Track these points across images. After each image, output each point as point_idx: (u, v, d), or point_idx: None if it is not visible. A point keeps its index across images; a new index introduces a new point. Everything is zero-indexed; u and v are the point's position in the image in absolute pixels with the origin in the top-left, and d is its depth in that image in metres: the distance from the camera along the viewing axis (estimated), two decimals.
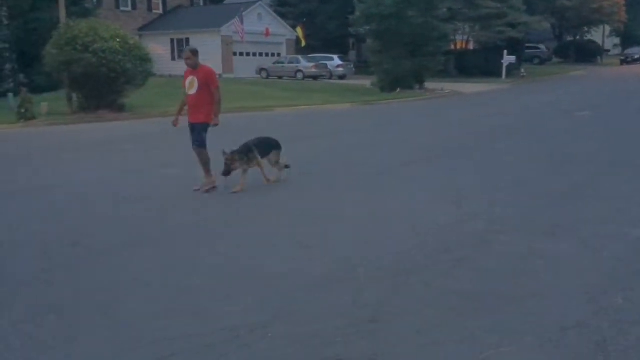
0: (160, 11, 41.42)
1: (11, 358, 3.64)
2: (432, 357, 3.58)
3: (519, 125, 15.74)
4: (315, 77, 35.67)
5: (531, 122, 16.21)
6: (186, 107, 8.17)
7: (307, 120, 18.35)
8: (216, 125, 7.99)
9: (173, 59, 38.01)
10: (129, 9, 39.14)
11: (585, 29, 59.72)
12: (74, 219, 6.85)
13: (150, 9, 40.75)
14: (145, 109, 20.20)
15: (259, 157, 8.12)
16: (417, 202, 7.33)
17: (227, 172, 7.86)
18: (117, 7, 38.10)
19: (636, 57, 55.84)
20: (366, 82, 31.31)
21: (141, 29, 38.95)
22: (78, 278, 4.97)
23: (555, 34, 60.38)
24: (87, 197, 7.96)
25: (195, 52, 8.08)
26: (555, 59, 57.45)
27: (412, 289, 4.54)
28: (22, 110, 17.54)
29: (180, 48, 38.68)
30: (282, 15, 42.33)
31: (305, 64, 36.65)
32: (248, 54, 39.22)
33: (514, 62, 36.75)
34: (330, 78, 36.86)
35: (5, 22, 27.56)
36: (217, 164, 7.99)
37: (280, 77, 35.94)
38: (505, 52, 36.22)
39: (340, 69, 38.39)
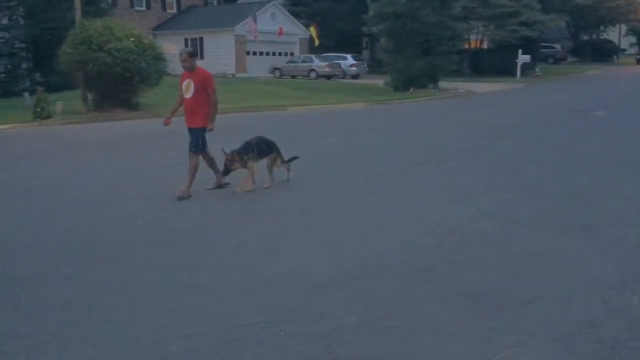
0: (174, 10, 41.61)
1: (11, 356, 3.67)
2: (445, 357, 3.56)
3: (533, 124, 15.62)
4: (328, 77, 35.65)
5: (545, 122, 16.09)
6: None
7: (320, 120, 18.35)
8: (211, 130, 7.73)
9: None
10: (143, 8, 39.36)
11: (601, 27, 59.10)
12: (79, 219, 6.89)
13: (164, 8, 40.96)
14: (159, 108, 20.26)
15: (252, 160, 7.83)
16: (428, 201, 7.30)
17: (226, 172, 7.73)
18: (132, 6, 38.33)
19: None
20: (379, 81, 31.24)
21: (155, 28, 39.17)
22: (84, 277, 5.00)
23: (570, 33, 59.84)
24: (94, 196, 7.99)
25: (191, 54, 7.87)
26: (570, 58, 56.92)
27: (424, 289, 4.53)
28: (38, 109, 17.73)
29: (194, 47, 38.89)
30: (296, 15, 42.34)
31: (319, 63, 36.64)
32: (261, 53, 39.29)
33: (528, 61, 36.46)
34: (344, 77, 36.82)
35: (22, 21, 27.87)
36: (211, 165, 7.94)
37: (293, 77, 35.96)
38: (520, 51, 35.95)
39: (354, 68, 38.33)
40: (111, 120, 18.24)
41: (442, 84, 29.96)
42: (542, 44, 46.15)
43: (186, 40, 38.67)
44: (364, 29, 33.70)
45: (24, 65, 28.42)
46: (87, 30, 18.88)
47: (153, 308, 4.30)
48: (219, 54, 37.44)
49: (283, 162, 8.32)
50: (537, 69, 38.83)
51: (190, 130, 7.81)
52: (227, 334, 3.82)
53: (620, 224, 6.23)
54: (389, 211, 6.90)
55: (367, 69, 40.50)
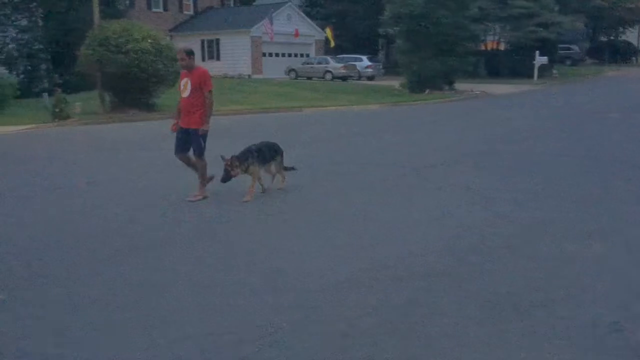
0: (191, 12, 41.86)
1: (40, 351, 3.72)
2: (463, 359, 3.55)
3: (549, 127, 15.50)
4: (344, 78, 35.63)
5: (562, 124, 15.96)
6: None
7: (335, 121, 18.35)
8: (205, 132, 7.49)
9: (203, 59, 38.41)
10: (161, 9, 39.63)
11: (620, 29, 58.48)
12: (96, 218, 6.96)
13: (181, 9, 41.21)
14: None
15: (257, 165, 7.61)
16: (444, 203, 7.28)
17: (226, 179, 7.48)
18: (149, 8, 38.62)
19: None
20: (395, 82, 31.18)
21: (172, 29, 39.42)
22: (101, 276, 5.06)
23: (588, 34, 59.25)
24: (110, 196, 8.06)
25: (189, 53, 7.61)
26: (588, 60, 56.36)
27: (442, 291, 4.52)
28: (57, 110, 17.92)
29: (210, 49, 39.13)
30: (311, 16, 42.42)
31: (334, 65, 36.65)
32: (277, 55, 39.40)
33: (545, 62, 36.17)
34: (359, 79, 36.79)
35: (41, 23, 28.21)
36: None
37: (309, 78, 36.00)
38: (537, 52, 35.67)
39: (369, 70, 38.27)
40: (128, 121, 18.39)
41: (458, 85, 29.83)
42: (560, 45, 45.75)
43: (202, 41, 38.90)
44: (380, 30, 33.68)
45: (43, 67, 28.75)
46: (105, 31, 19.07)
47: (169, 307, 4.33)
48: (235, 55, 37.63)
49: (279, 170, 8.15)
50: (554, 71, 38.51)
51: (184, 130, 7.58)
52: (243, 334, 3.84)
53: (639, 227, 6.18)
54: (405, 213, 6.88)
55: (382, 70, 40.41)
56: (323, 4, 45.01)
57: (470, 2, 29.45)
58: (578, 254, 5.36)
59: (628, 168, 9.51)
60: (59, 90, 18.75)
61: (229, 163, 7.41)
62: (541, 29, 36.77)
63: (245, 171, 7.56)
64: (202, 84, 7.45)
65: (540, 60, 35.77)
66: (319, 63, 37.52)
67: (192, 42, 38.27)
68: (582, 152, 11.01)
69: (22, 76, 27.26)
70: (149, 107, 19.98)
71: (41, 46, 28.38)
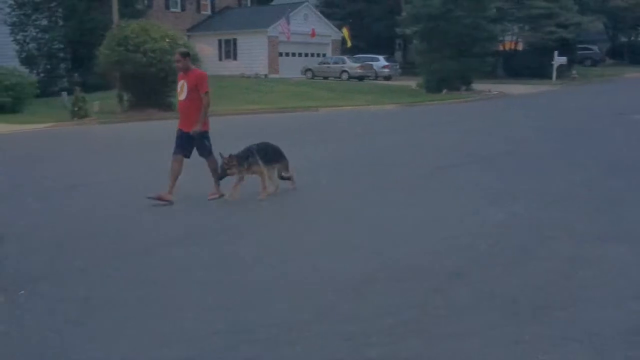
0: (209, 12, 42.05)
1: (61, 348, 3.76)
2: None
3: (568, 127, 15.34)
4: (360, 78, 35.59)
5: (581, 125, 15.79)
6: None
7: (350, 121, 18.33)
8: (195, 132, 7.32)
9: (220, 59, 38.63)
10: (179, 9, 39.87)
11: None
12: (110, 216, 7.01)
13: (198, 9, 41.42)
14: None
15: (260, 163, 7.40)
16: (460, 204, 7.22)
17: (222, 176, 7.33)
18: (167, 8, 38.86)
19: None
20: (412, 82, 31.09)
21: (190, 29, 39.62)
22: (114, 274, 5.09)
23: (608, 35, 58.56)
24: (126, 195, 8.08)
25: (185, 55, 7.50)
26: (608, 61, 55.69)
27: (459, 292, 4.48)
28: (76, 109, 18.14)
29: (227, 48, 39.30)
30: (328, 16, 42.40)
31: (351, 65, 36.63)
32: (294, 54, 39.46)
33: (564, 63, 35.81)
34: (376, 79, 36.72)
35: (61, 23, 28.52)
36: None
37: (325, 78, 36.00)
38: (556, 53, 35.34)
39: (386, 70, 38.20)
40: (146, 120, 18.53)
41: (476, 85, 29.67)
42: (579, 45, 45.27)
43: (220, 41, 39.10)
44: (397, 30, 33.57)
45: (63, 66, 29.06)
46: (123, 31, 19.26)
47: (182, 306, 4.34)
48: (252, 55, 37.75)
49: (281, 173, 7.91)
50: (573, 71, 38.11)
51: (183, 133, 7.45)
52: (258, 333, 3.84)
53: None
54: (419, 214, 6.85)
55: (399, 70, 40.30)
56: (340, 3, 44.94)
57: (489, 2, 29.29)
58: (596, 256, 5.28)
59: None
60: (79, 89, 18.96)
61: (226, 161, 7.24)
62: (560, 29, 36.42)
63: (247, 171, 7.39)
64: (198, 86, 7.31)
65: (559, 60, 35.42)
66: (336, 63, 37.52)
67: (210, 42, 38.52)
68: (603, 155, 10.87)
69: (41, 75, 27.57)
70: (166, 106, 20.11)
71: (61, 46, 28.68)
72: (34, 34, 28.23)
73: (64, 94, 21.57)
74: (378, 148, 12.23)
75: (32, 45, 28.32)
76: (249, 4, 45.66)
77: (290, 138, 11.13)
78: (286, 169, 7.88)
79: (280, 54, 38.55)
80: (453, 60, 27.90)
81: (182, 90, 7.40)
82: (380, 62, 38.51)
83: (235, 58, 38.87)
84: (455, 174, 9.25)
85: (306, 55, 40.40)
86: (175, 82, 20.25)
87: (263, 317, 4.07)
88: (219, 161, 7.42)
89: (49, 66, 28.65)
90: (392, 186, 8.44)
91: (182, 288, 4.70)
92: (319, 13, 41.44)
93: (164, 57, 18.70)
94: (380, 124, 17.68)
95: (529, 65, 38.27)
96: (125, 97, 20.21)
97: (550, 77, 35.34)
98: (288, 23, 35.58)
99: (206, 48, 35.86)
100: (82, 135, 15.43)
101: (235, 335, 3.82)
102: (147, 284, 4.79)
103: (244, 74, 35.28)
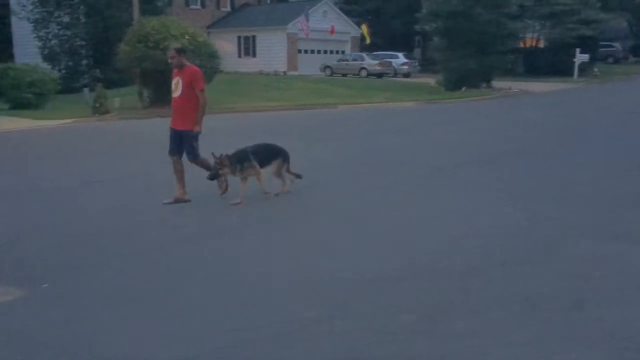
0: (228, 9, 42.22)
1: (79, 342, 3.82)
2: (500, 359, 3.51)
3: (590, 126, 15.16)
4: (379, 75, 35.48)
5: (602, 123, 15.59)
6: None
7: (369, 118, 18.30)
8: (198, 132, 7.20)
9: (239, 55, 38.78)
10: (198, 6, 40.08)
11: None
12: (129, 212, 7.09)
13: (218, 6, 41.60)
14: (212, 105, 20.51)
15: (257, 165, 7.22)
16: (476, 202, 7.18)
17: (213, 177, 7.14)
18: (187, 5, 39.09)
19: None
20: (431, 80, 30.92)
21: (209, 26, 39.82)
22: (131, 269, 5.16)
23: (631, 32, 57.69)
24: (145, 190, 8.19)
25: (179, 51, 7.25)
26: (631, 58, 54.87)
27: (477, 291, 4.47)
28: (97, 105, 18.34)
29: (246, 45, 39.43)
30: (347, 13, 42.32)
31: (370, 62, 36.53)
32: (312, 51, 39.46)
33: (586, 60, 35.35)
34: (395, 76, 36.59)
35: (83, 19, 28.86)
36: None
37: (344, 75, 35.95)
38: (578, 50, 34.89)
39: (405, 67, 38.04)
40: (166, 116, 18.60)
41: (496, 83, 29.42)
42: (601, 43, 44.66)
43: (239, 38, 39.25)
44: (416, 27, 33.41)
45: (84, 62, 29.41)
46: (144, 28, 19.40)
47: (202, 301, 4.39)
48: (271, 51, 37.83)
49: (289, 171, 7.69)
50: (595, 69, 37.62)
51: (175, 132, 7.32)
52: (278, 328, 3.87)
53: None
54: (437, 212, 6.82)
55: (418, 67, 40.11)
56: (359, 0, 44.85)
57: None
58: (618, 255, 5.23)
59: None
60: (100, 85, 19.17)
61: (218, 161, 7.06)
62: (582, 26, 35.97)
63: (241, 173, 7.17)
64: (193, 83, 7.12)
65: (581, 58, 34.97)
66: (354, 60, 37.43)
67: (229, 38, 38.68)
68: (624, 152, 10.73)
69: (63, 71, 27.95)
70: None
71: (82, 42, 29.03)
72: (56, 30, 28.63)
73: (86, 90, 21.82)
74: (394, 145, 12.18)
75: (54, 42, 28.72)
76: (268, 1, 45.76)
77: (309, 135, 11.15)
78: (285, 164, 7.57)
79: (299, 51, 38.57)
80: (473, 57, 27.68)
81: (176, 87, 7.20)
82: (399, 59, 38.36)
83: (254, 55, 38.99)
84: (467, 172, 9.17)
85: (325, 52, 40.38)
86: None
87: (281, 313, 4.10)
88: (209, 161, 7.23)
89: (70, 63, 29.02)
90: (405, 184, 8.41)
91: (195, 284, 4.74)
92: (338, 10, 41.38)
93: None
94: (399, 121, 17.62)
95: (550, 63, 37.83)
96: (146, 93, 20.37)
97: (571, 75, 34.92)
98: (307, 20, 35.59)
99: (225, 45, 36.01)
100: (103, 131, 15.60)
101: (253, 331, 3.84)
102: (160, 280, 4.84)
103: (262, 71, 35.37)
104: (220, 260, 5.30)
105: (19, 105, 19.82)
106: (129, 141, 13.56)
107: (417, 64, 40.61)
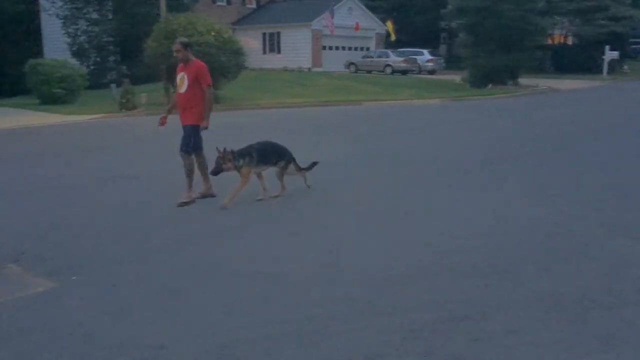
0: (254, 5, 42.39)
1: (96, 330, 3.89)
2: (524, 359, 3.48)
3: (620, 124, 14.90)
4: (404, 72, 35.31)
5: (630, 122, 15.31)
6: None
7: (394, 115, 18.22)
8: (205, 128, 7.08)
9: (264, 52, 38.90)
10: (224, 3, 40.30)
11: None
12: (149, 207, 7.14)
13: (244, 3, 41.79)
14: (237, 101, 20.80)
15: (247, 166, 7.04)
16: (503, 201, 7.11)
17: (216, 171, 6.98)
18: (213, 1, 39.31)
19: None
20: (456, 77, 30.67)
21: (235, 23, 40.01)
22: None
23: None
24: (166, 187, 8.25)
25: (185, 45, 7.13)
26: None
27: (505, 288, 4.43)
28: (124, 101, 18.57)
29: (271, 42, 39.53)
30: (372, 9, 42.16)
31: (395, 59, 36.38)
32: (337, 48, 39.40)
33: (616, 57, 34.74)
34: (420, 73, 36.38)
35: (110, 16, 29.20)
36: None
37: (369, 72, 35.84)
38: (607, 47, 34.31)
39: (430, 64, 37.80)
40: None
41: (523, 80, 29.08)
42: (632, 39, 43.84)
43: (264, 34, 39.36)
44: (442, 23, 33.20)
45: (112, 58, 29.76)
46: (171, 24, 19.55)
47: (218, 297, 4.40)
48: (296, 48, 37.87)
49: (299, 169, 7.55)
50: (625, 66, 36.98)
51: (184, 128, 7.24)
52: (295, 325, 3.87)
53: None
54: (463, 210, 6.77)
55: (444, 64, 39.82)
56: None
57: None
58: None
59: None
60: (127, 81, 19.39)
61: (221, 155, 6.92)
62: (612, 22, 35.38)
63: (237, 169, 7.04)
64: (199, 78, 7.01)
65: (610, 55, 34.40)
66: (379, 57, 37.30)
67: (254, 35, 38.82)
68: None
69: (91, 67, 28.31)
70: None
71: (110, 38, 29.36)
72: (85, 27, 29.00)
73: (113, 85, 22.09)
74: (420, 142, 12.13)
75: (82, 38, 29.10)
76: None
77: (338, 130, 11.14)
78: (288, 166, 7.42)
79: (324, 48, 38.55)
80: (499, 54, 27.40)
81: (182, 82, 7.10)
82: (425, 56, 38.13)
83: (279, 51, 39.08)
84: (494, 170, 9.09)
85: (350, 49, 40.28)
86: (221, 76, 20.48)
87: (298, 310, 4.10)
88: (210, 156, 7.13)
89: (98, 59, 29.38)
90: (432, 181, 8.37)
91: (211, 280, 4.77)
92: (363, 6, 41.23)
93: (210, 51, 18.92)
94: (423, 118, 17.53)
95: (578, 60, 37.33)
96: (172, 89, 20.53)
97: (600, 72, 34.38)
98: (332, 16, 35.54)
99: (250, 41, 36.14)
100: (130, 127, 15.78)
101: (269, 327, 3.86)
102: (176, 276, 4.88)
103: (287, 68, 35.44)
104: (229, 257, 5.29)
105: (49, 101, 20.17)
106: (156, 137, 13.67)
107: (442, 60, 40.32)
